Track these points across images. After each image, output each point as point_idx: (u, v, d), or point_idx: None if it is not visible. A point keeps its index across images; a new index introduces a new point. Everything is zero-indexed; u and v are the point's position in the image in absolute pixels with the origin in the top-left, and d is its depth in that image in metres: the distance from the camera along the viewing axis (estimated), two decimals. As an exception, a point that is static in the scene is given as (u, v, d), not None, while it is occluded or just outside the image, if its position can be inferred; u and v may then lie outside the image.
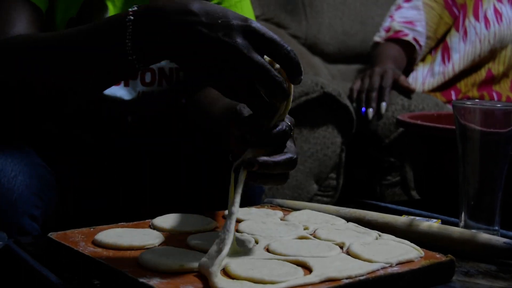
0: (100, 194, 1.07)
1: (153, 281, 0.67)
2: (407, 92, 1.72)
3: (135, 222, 0.88)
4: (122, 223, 0.87)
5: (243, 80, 0.71)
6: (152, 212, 0.91)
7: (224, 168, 0.82)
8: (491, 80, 1.92)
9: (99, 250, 0.77)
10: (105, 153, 1.07)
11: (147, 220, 0.89)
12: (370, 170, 1.70)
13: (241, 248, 0.76)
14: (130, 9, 0.75)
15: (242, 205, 0.76)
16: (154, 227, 0.86)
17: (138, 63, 0.75)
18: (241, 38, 0.70)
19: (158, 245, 0.79)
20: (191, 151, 1.08)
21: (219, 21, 0.70)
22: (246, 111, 0.79)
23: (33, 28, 0.91)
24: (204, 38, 0.70)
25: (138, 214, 0.93)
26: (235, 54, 0.69)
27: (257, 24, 0.71)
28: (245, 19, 0.71)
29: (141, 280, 0.67)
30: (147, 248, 0.77)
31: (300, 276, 0.69)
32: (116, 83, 0.88)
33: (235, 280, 0.68)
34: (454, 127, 0.93)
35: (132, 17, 0.74)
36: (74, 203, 1.04)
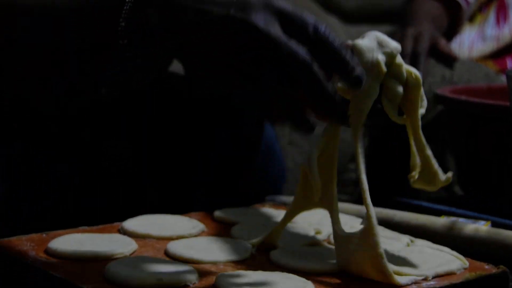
0: (98, 192, 1.09)
1: (124, 300, 0.68)
2: (449, 60, 1.71)
3: (100, 226, 0.88)
4: (84, 227, 0.88)
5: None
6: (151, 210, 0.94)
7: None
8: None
9: (53, 261, 0.77)
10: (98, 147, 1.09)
11: (115, 224, 0.89)
12: (400, 160, 1.70)
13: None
14: None
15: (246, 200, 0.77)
16: (125, 232, 0.87)
17: (129, 51, 0.77)
18: (258, 14, 0.73)
19: (130, 254, 0.80)
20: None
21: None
22: None
23: None
24: (213, 16, 0.73)
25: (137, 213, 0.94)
26: (250, 30, 0.72)
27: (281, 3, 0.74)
28: None
29: (108, 298, 0.68)
30: (116, 258, 0.77)
31: (310, 293, 0.70)
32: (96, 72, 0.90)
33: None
34: (509, 103, 0.93)
35: None
36: (70, 201, 1.07)
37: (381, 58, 0.77)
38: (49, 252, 0.79)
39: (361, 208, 0.99)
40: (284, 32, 0.73)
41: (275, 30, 0.73)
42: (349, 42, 0.79)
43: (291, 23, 0.74)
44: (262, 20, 0.73)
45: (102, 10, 0.78)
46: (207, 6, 0.74)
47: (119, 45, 0.77)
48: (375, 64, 0.76)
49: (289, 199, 1.04)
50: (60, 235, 0.83)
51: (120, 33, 0.76)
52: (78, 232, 0.85)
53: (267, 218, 0.95)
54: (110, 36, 0.77)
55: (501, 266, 0.78)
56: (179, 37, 0.75)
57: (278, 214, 0.97)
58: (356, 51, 0.77)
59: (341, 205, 1.01)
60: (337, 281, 0.74)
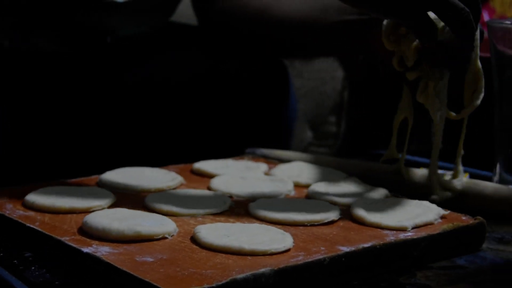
0: (76, 145, 1.09)
1: (101, 252, 0.67)
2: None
3: (78, 179, 0.88)
4: (61, 179, 0.87)
5: None
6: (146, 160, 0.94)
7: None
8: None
9: (31, 214, 0.77)
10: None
11: (93, 176, 0.89)
12: (379, 111, 1.70)
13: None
14: None
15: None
16: (103, 185, 0.86)
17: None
18: None
19: (108, 207, 0.80)
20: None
21: None
22: None
23: None
24: None
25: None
26: None
27: None
28: None
29: (86, 250, 0.68)
30: (94, 211, 0.77)
31: (289, 244, 0.70)
32: None
33: None
34: (488, 54, 0.93)
35: None
36: (49, 154, 1.08)
37: None
38: (26, 205, 0.79)
39: (339, 161, 0.99)
40: None
41: None
42: None
43: None
44: None
45: None
46: None
47: None
48: None
49: (268, 151, 1.04)
50: (37, 188, 0.83)
51: None
52: (55, 185, 0.85)
53: (246, 171, 0.95)
54: None
55: (478, 217, 0.78)
56: None
57: (257, 167, 0.97)
58: None
59: (319, 158, 1.02)
60: (315, 232, 0.74)
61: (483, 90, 0.87)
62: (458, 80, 0.89)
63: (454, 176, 0.90)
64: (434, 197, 0.89)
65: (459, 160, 0.90)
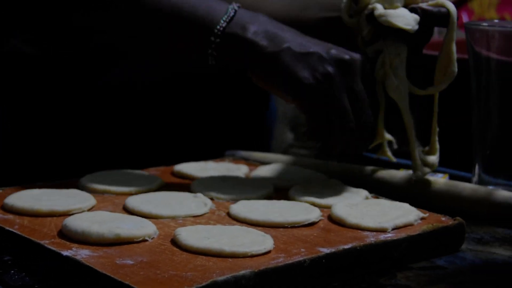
0: (58, 148, 1.08)
1: (81, 255, 0.67)
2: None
3: (58, 182, 0.88)
4: (40, 183, 0.87)
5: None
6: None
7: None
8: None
9: (10, 217, 0.77)
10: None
11: (73, 179, 0.89)
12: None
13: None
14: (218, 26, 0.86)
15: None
16: (83, 188, 0.86)
17: (213, 61, 0.88)
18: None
19: (88, 210, 0.79)
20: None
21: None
22: None
23: None
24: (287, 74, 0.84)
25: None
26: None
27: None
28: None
29: (65, 253, 0.67)
30: (74, 214, 0.77)
31: (269, 246, 0.70)
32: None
33: None
34: (466, 56, 0.93)
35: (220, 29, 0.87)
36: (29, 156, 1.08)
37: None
38: (5, 208, 0.78)
39: (320, 162, 1.00)
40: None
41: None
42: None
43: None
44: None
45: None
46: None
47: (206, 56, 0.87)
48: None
49: (248, 154, 1.04)
50: (17, 190, 0.82)
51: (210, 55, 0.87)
52: (35, 187, 0.84)
53: (227, 173, 0.95)
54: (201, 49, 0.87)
55: (458, 218, 0.79)
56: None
57: (238, 168, 0.97)
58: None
59: (300, 159, 1.02)
60: (296, 234, 0.74)
61: (453, 75, 0.88)
62: (418, 58, 0.92)
63: (431, 152, 0.91)
64: (417, 173, 0.89)
65: (435, 137, 0.91)
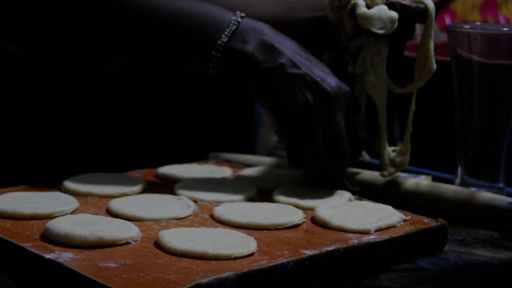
0: (40, 150, 1.08)
1: (64, 258, 0.67)
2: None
3: (41, 184, 0.87)
4: (23, 185, 0.86)
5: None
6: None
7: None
8: (497, 0, 1.93)
9: (-8, 220, 0.76)
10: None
11: (56, 182, 0.88)
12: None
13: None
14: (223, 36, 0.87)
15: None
16: (66, 190, 0.86)
17: (214, 71, 0.89)
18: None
19: (71, 213, 0.79)
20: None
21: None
22: None
23: None
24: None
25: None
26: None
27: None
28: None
29: (48, 256, 0.67)
30: (56, 217, 0.77)
31: (253, 248, 0.70)
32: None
33: None
34: (448, 58, 0.94)
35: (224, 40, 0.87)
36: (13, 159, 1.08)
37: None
38: (-13, 211, 0.78)
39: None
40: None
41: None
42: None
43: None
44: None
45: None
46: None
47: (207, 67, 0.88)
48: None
49: (232, 156, 1.04)
50: (-1, 194, 0.82)
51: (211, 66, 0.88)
52: (17, 190, 0.84)
53: (211, 175, 0.95)
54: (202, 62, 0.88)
55: (440, 219, 0.79)
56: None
57: (222, 171, 0.97)
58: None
59: (283, 162, 1.02)
60: (279, 236, 0.74)
61: (431, 71, 0.89)
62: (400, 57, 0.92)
63: (402, 152, 0.91)
64: (384, 173, 0.90)
65: (408, 137, 0.91)
